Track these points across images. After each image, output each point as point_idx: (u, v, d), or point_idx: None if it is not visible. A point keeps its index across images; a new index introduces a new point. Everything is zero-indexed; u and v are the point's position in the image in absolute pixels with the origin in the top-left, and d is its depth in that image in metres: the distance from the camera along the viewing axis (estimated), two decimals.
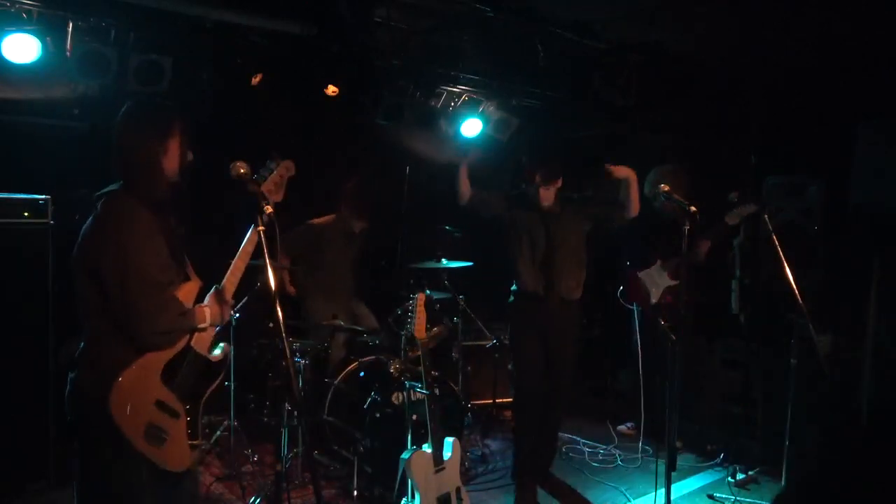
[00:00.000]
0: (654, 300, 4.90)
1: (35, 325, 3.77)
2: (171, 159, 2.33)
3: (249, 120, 5.08)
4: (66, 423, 2.32)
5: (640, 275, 4.92)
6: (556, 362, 4.00)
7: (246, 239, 2.48)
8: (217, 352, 2.46)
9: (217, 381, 2.48)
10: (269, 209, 2.35)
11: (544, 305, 3.93)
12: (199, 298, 2.42)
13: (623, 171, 3.88)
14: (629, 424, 5.23)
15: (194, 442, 2.36)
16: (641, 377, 4.91)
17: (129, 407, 2.20)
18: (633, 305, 5.03)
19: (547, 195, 3.88)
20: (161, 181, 2.31)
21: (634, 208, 3.95)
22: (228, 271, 2.49)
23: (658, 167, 4.86)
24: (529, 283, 3.95)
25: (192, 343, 2.36)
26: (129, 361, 2.21)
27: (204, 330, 2.38)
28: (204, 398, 2.42)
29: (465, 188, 4.02)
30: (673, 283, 4.83)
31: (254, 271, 2.69)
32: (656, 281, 4.89)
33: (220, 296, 2.45)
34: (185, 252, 2.45)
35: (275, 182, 2.64)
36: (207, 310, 2.38)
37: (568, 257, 3.96)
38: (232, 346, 4.09)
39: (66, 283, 2.31)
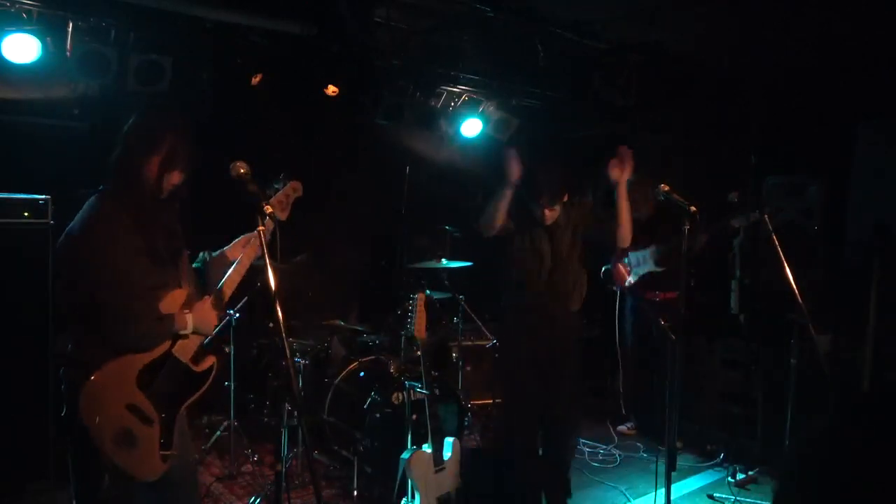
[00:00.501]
0: (631, 281, 4.91)
1: (35, 325, 3.77)
2: (150, 174, 2.30)
3: (249, 120, 5.08)
4: (64, 422, 2.33)
5: (629, 253, 4.93)
6: (558, 376, 3.68)
7: (242, 254, 2.51)
8: (202, 362, 2.44)
9: (199, 393, 2.44)
10: (268, 209, 2.35)
11: (548, 319, 3.65)
12: (187, 307, 2.40)
13: (615, 173, 3.55)
14: (629, 424, 5.23)
15: (166, 452, 2.31)
16: (621, 365, 4.91)
17: (97, 408, 2.19)
18: (612, 286, 5.06)
19: (552, 214, 3.60)
20: (137, 189, 2.30)
21: (626, 234, 3.65)
22: (224, 279, 2.48)
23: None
24: (533, 297, 3.64)
25: (174, 350, 2.34)
26: (105, 362, 2.21)
27: (186, 337, 2.36)
28: (182, 408, 2.38)
29: (501, 217, 3.53)
30: (656, 269, 4.80)
31: (253, 271, 2.69)
32: (640, 263, 4.88)
33: (216, 302, 2.42)
34: (178, 257, 2.44)
35: (279, 201, 2.68)
36: (190, 316, 2.34)
37: (572, 269, 3.71)
38: (232, 347, 4.11)
39: None
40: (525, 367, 3.65)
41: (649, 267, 4.83)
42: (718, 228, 4.45)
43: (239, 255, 2.54)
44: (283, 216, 2.69)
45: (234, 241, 2.58)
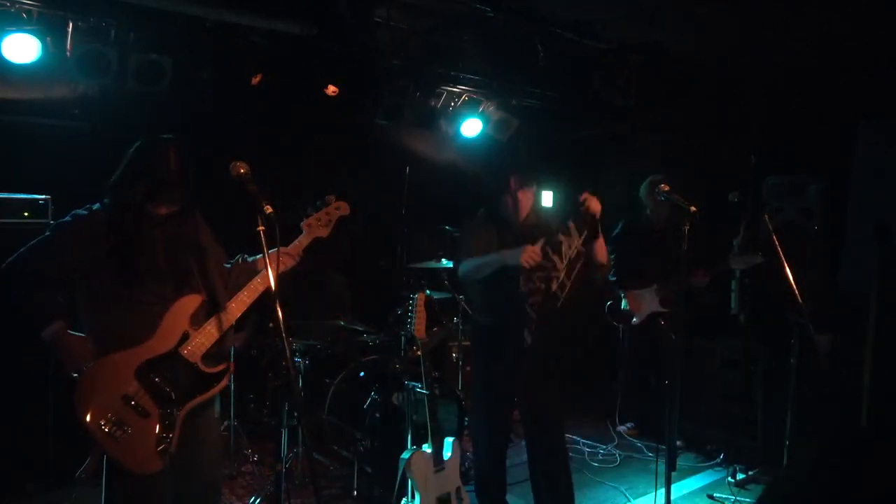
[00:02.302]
0: (636, 321, 4.88)
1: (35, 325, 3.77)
2: (135, 201, 2.36)
3: (249, 120, 5.08)
4: (66, 423, 2.35)
5: (632, 294, 4.90)
6: (541, 408, 3.37)
7: (259, 275, 2.54)
8: (215, 365, 2.44)
9: (207, 394, 2.43)
10: (268, 209, 2.35)
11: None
12: (202, 311, 2.44)
13: (595, 206, 3.13)
14: (630, 425, 5.23)
15: (162, 447, 2.30)
16: (619, 366, 4.96)
17: (92, 395, 2.22)
18: (616, 323, 5.04)
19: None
20: (123, 211, 2.35)
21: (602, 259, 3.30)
22: (236, 297, 2.52)
23: (652, 176, 4.86)
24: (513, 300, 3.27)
25: (181, 349, 2.36)
26: (104, 353, 2.28)
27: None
28: (187, 406, 2.37)
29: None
30: (662, 310, 4.79)
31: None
32: (646, 301, 4.85)
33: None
34: (188, 270, 2.46)
35: (318, 218, 2.73)
36: (68, 341, 2.31)
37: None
38: (232, 347, 4.11)
39: None
40: (502, 371, 3.32)
41: (655, 308, 4.82)
42: (719, 271, 4.48)
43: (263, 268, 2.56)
44: (324, 233, 2.76)
45: (269, 252, 2.49)
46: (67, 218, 2.39)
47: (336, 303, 5.11)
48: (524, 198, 3.23)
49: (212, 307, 2.48)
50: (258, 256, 2.68)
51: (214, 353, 2.46)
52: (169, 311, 2.37)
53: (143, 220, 2.37)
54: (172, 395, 2.34)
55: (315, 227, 2.74)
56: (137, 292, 2.34)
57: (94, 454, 2.40)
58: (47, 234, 2.37)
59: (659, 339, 4.75)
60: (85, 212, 2.39)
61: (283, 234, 2.36)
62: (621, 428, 5.23)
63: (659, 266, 4.76)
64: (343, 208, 2.81)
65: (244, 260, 2.73)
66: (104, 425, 2.22)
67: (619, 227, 5.03)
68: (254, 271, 2.63)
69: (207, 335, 2.43)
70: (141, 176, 2.36)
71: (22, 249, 2.35)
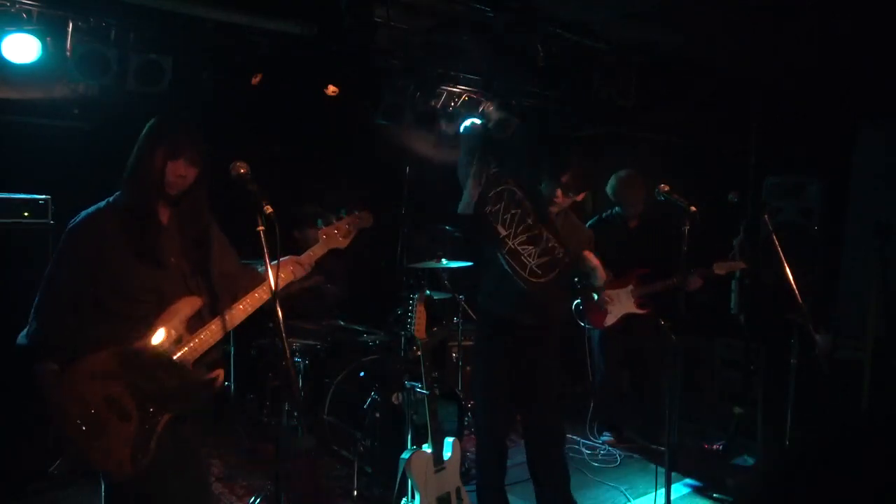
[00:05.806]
0: (607, 323, 4.72)
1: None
2: (155, 166, 2.31)
3: (249, 120, 5.08)
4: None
5: (606, 293, 4.71)
6: (539, 392, 3.46)
7: (263, 285, 2.48)
8: (207, 371, 2.39)
9: (192, 401, 2.37)
10: (269, 209, 2.34)
11: (524, 330, 3.42)
12: (200, 315, 2.40)
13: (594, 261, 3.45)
14: (606, 436, 5.06)
15: (136, 453, 2.20)
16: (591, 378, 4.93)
17: (74, 391, 2.17)
18: (585, 324, 4.86)
19: (563, 202, 3.38)
20: (142, 186, 2.31)
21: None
22: (236, 306, 2.46)
23: (616, 173, 4.86)
24: (511, 307, 3.44)
25: (173, 353, 2.30)
26: (93, 349, 2.22)
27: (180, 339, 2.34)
28: (170, 413, 2.29)
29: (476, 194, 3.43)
30: (638, 311, 4.68)
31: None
32: (621, 302, 4.71)
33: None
34: (196, 271, 2.44)
35: (337, 227, 2.67)
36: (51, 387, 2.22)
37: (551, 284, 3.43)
38: (232, 347, 4.12)
39: None
40: (500, 379, 3.48)
41: (630, 309, 4.70)
42: (707, 274, 4.42)
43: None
44: (343, 244, 2.69)
45: (277, 261, 2.40)
46: (77, 220, 2.33)
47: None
48: (563, 199, 3.39)
49: (211, 311, 2.43)
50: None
51: (208, 360, 2.41)
52: (165, 312, 2.31)
53: (159, 196, 2.33)
54: (156, 399, 2.25)
55: (332, 237, 2.66)
56: (140, 285, 2.29)
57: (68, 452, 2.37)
58: (61, 246, 2.30)
59: (657, 339, 4.73)
60: (93, 210, 2.35)
61: (282, 234, 2.35)
62: (602, 439, 5.05)
63: (634, 266, 4.70)
64: (366, 219, 2.74)
65: (254, 270, 2.66)
66: (81, 423, 2.14)
67: (589, 224, 4.83)
68: (261, 280, 2.55)
69: (202, 341, 2.36)
70: (162, 137, 2.32)
71: (42, 288, 2.30)
